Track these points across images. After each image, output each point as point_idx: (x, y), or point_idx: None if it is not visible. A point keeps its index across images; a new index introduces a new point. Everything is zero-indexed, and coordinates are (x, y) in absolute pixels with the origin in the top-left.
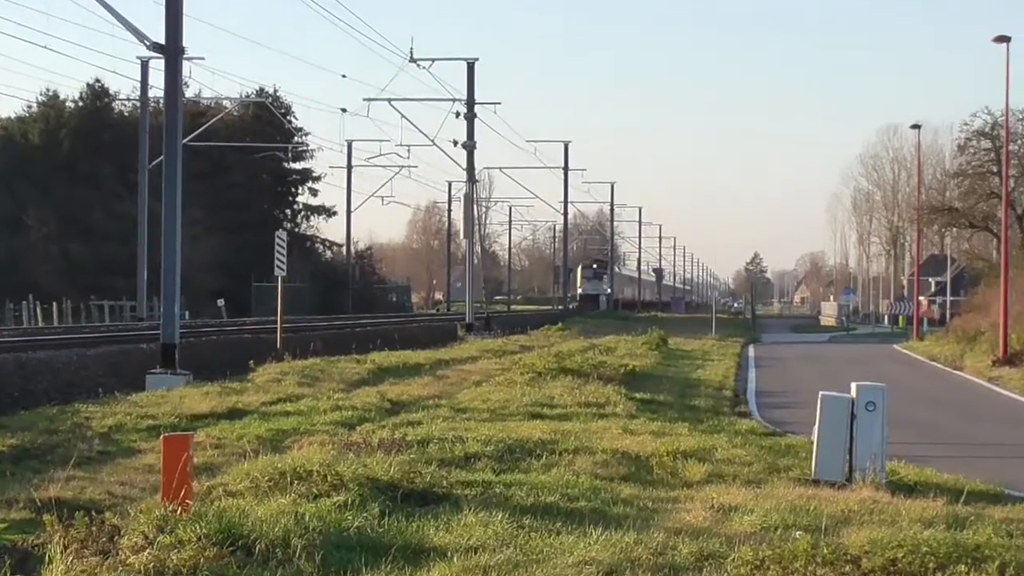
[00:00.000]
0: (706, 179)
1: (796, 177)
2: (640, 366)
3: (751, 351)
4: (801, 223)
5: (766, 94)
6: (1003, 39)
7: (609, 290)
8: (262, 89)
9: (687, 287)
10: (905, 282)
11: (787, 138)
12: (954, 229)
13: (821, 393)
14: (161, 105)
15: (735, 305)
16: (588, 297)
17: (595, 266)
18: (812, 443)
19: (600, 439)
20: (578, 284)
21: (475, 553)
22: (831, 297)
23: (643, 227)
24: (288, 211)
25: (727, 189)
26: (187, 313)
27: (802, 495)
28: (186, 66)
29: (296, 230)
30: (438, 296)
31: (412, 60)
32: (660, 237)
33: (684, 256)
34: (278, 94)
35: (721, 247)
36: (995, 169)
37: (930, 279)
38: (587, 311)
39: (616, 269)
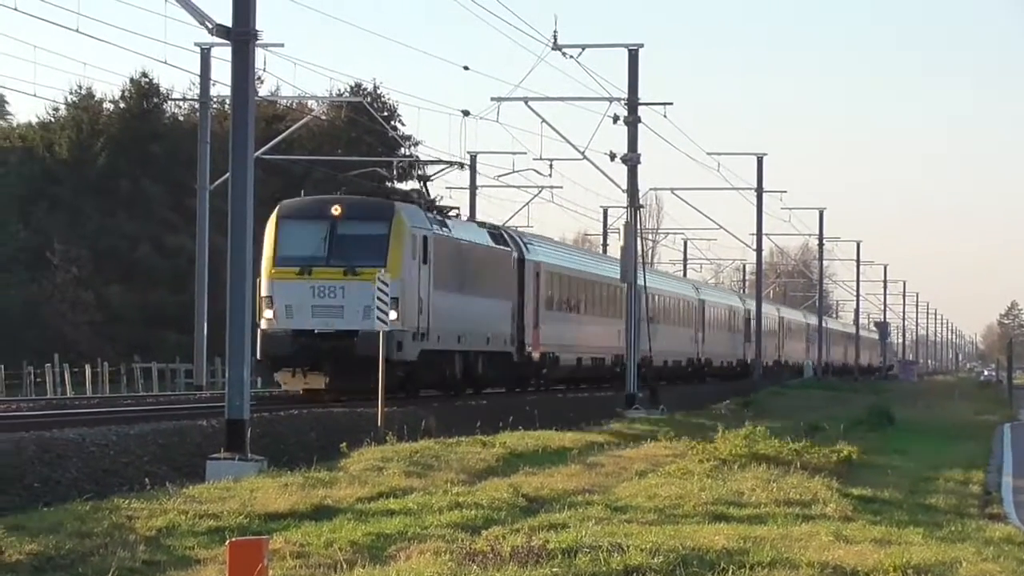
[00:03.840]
0: (944, 206)
1: None
2: (857, 452)
3: (1007, 432)
4: None
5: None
6: None
7: (396, 317)
8: (359, 85)
9: (898, 338)
10: None
11: None
12: None
13: None
14: (226, 107)
15: (985, 372)
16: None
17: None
18: None
19: (804, 548)
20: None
21: None
22: None
23: (862, 267)
24: None
25: (973, 218)
26: (259, 380)
27: None
28: (260, 55)
29: None
30: None
31: (556, 47)
32: (884, 281)
33: (917, 306)
34: (379, 92)
35: (966, 295)
36: None
37: None
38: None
39: (824, 323)
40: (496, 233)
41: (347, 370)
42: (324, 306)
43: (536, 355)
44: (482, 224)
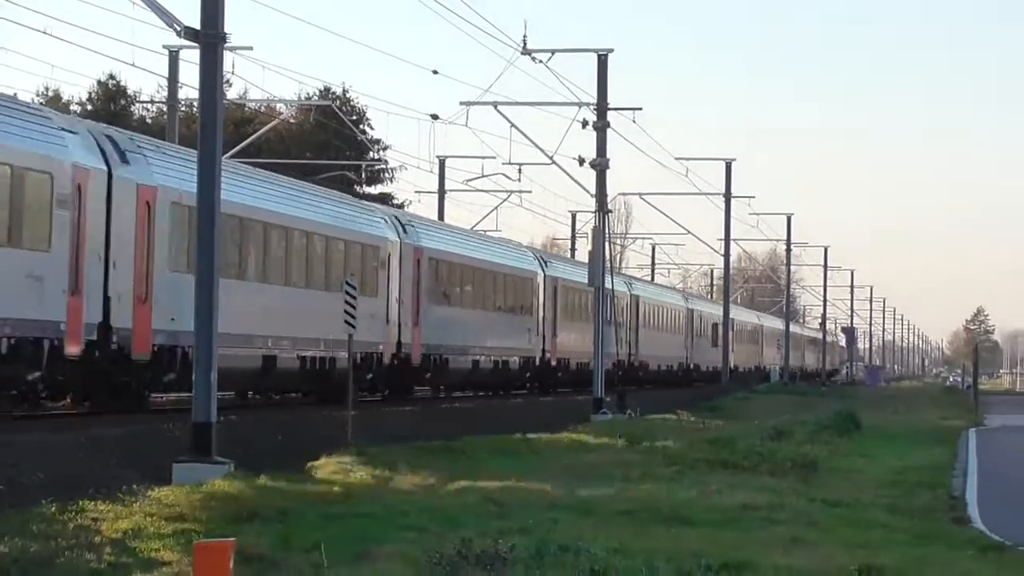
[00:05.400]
0: (911, 212)
1: None
2: (823, 456)
3: (972, 437)
4: None
5: (992, 103)
6: None
7: None
8: (327, 89)
9: (865, 343)
10: None
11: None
12: None
13: None
14: (194, 110)
15: (951, 378)
16: None
17: None
18: None
19: (768, 551)
20: None
21: None
22: None
23: (829, 273)
24: None
25: (941, 224)
26: None
27: None
28: (228, 58)
29: None
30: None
31: (525, 52)
32: (852, 287)
33: (884, 312)
34: (348, 95)
35: (933, 301)
36: None
37: None
38: None
39: (793, 327)
40: None
41: None
42: None
43: None
44: None
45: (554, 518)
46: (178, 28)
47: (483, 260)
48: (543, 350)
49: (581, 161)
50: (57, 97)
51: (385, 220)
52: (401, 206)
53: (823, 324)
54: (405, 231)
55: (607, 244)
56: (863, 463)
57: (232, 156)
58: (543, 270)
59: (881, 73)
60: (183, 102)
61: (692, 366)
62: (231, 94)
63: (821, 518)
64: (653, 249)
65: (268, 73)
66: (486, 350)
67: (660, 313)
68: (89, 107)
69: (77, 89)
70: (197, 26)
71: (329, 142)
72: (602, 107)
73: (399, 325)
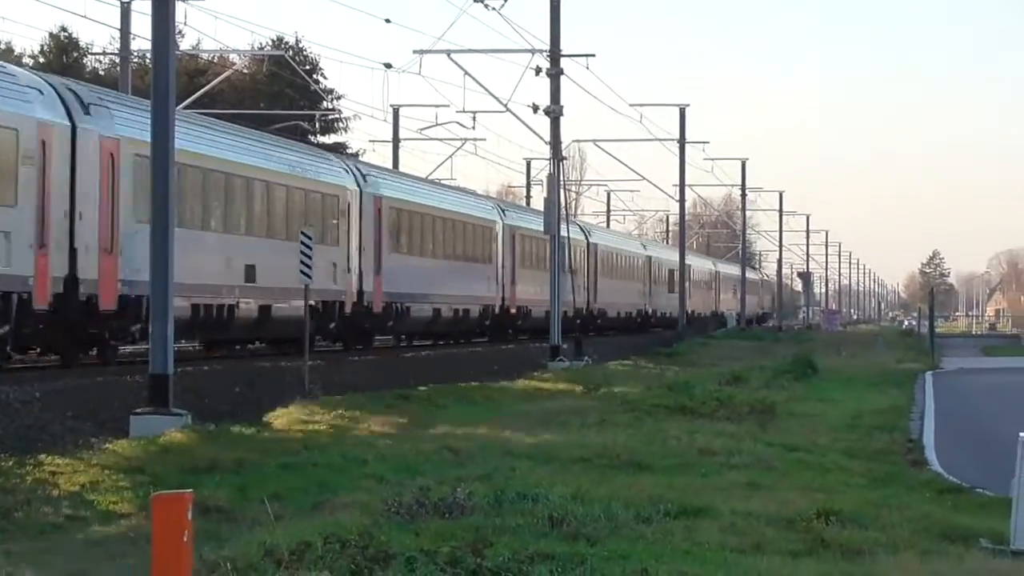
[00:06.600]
0: (866, 154)
1: (990, 154)
2: (780, 401)
3: (928, 380)
4: (995, 212)
5: (954, 40)
6: None
7: None
8: (281, 39)
9: (821, 287)
10: None
11: (979, 103)
12: None
13: (1022, 435)
14: (147, 61)
15: (907, 322)
16: None
17: None
18: (1011, 501)
19: (727, 497)
20: None
21: None
22: None
23: (785, 217)
24: None
25: (897, 168)
26: None
27: (995, 572)
28: (180, 8)
29: None
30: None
31: None
32: (807, 231)
33: (839, 256)
34: (301, 45)
35: (888, 244)
36: None
37: None
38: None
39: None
40: None
41: None
42: None
43: None
44: None
45: (512, 466)
46: None
47: (444, 209)
48: (502, 298)
49: (535, 108)
50: (9, 50)
51: (344, 169)
52: (356, 155)
53: (779, 269)
54: (365, 180)
55: (562, 191)
56: (820, 407)
57: (186, 107)
58: (502, 219)
59: (833, 15)
60: (136, 53)
61: (650, 312)
62: (184, 45)
63: (779, 462)
64: (608, 196)
65: (221, 24)
66: (447, 299)
67: (618, 260)
68: (41, 60)
69: (29, 42)
70: None
71: (282, 92)
72: (555, 54)
73: (360, 274)
